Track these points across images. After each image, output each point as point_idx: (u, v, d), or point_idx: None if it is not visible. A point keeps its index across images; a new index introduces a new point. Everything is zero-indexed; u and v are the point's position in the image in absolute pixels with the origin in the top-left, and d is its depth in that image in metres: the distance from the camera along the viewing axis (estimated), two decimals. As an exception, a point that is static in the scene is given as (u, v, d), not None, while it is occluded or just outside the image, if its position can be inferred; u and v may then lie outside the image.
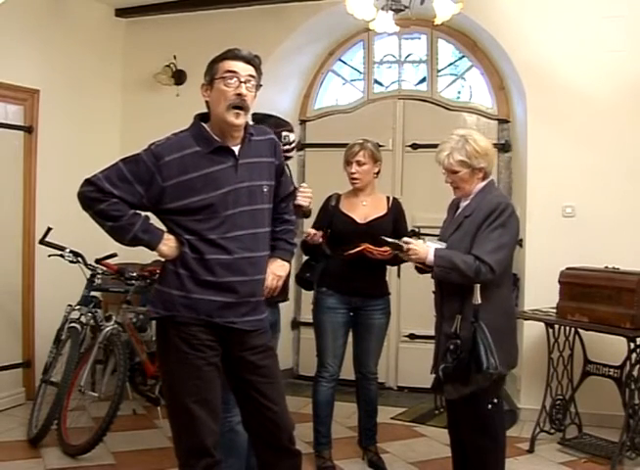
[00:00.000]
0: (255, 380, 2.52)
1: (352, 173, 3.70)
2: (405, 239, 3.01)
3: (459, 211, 3.03)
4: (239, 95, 2.42)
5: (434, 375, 3.00)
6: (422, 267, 2.96)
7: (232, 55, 2.46)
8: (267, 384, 2.53)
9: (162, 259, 2.54)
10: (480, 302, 2.75)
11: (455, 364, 2.77)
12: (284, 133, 3.06)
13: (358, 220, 3.71)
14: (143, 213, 2.49)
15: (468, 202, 2.98)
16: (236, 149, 2.49)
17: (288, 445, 2.57)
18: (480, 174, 2.95)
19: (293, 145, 3.17)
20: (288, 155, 3.07)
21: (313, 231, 3.61)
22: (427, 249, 2.87)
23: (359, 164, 3.69)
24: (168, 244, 2.46)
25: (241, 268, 2.46)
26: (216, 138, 2.47)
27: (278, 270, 2.67)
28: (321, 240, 3.61)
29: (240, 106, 2.42)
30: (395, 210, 3.80)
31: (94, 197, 2.42)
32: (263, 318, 2.58)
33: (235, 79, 2.42)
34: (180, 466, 2.50)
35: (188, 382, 2.42)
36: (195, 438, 2.43)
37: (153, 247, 2.47)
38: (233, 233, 2.45)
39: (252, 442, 2.66)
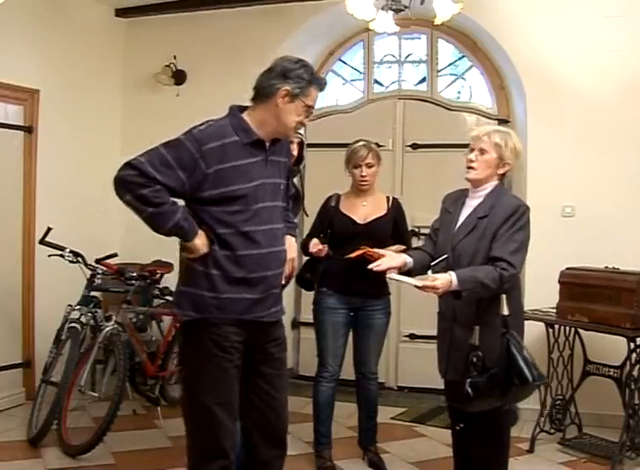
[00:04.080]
0: (269, 372, 2.56)
1: (364, 176, 3.69)
2: (422, 280, 2.79)
3: (467, 209, 2.95)
4: (303, 124, 2.56)
5: (443, 380, 2.97)
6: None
7: (321, 86, 2.56)
8: (278, 376, 2.59)
9: (185, 258, 2.48)
10: (507, 313, 2.71)
11: (488, 378, 2.69)
12: None
13: (358, 221, 3.71)
14: (180, 202, 2.45)
15: (481, 200, 2.90)
16: (267, 145, 2.53)
17: (284, 436, 2.62)
18: (502, 170, 2.91)
19: None
20: None
21: (320, 246, 3.61)
22: (449, 279, 2.73)
23: (369, 166, 3.69)
24: (202, 238, 2.42)
25: (268, 262, 2.49)
26: (256, 131, 2.48)
27: (290, 253, 2.68)
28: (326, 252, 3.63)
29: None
30: (396, 210, 3.80)
31: (136, 181, 2.34)
32: (280, 309, 2.63)
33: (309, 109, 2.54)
34: (191, 467, 2.50)
35: (213, 384, 2.43)
36: (212, 439, 2.44)
37: (190, 238, 2.40)
38: (262, 227, 2.47)
39: (248, 432, 2.63)
